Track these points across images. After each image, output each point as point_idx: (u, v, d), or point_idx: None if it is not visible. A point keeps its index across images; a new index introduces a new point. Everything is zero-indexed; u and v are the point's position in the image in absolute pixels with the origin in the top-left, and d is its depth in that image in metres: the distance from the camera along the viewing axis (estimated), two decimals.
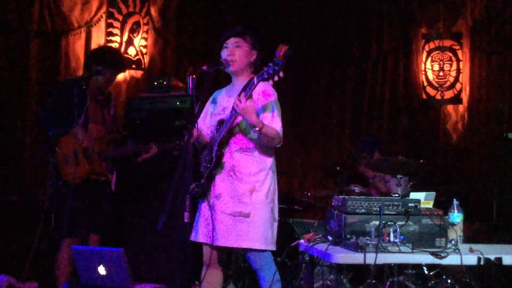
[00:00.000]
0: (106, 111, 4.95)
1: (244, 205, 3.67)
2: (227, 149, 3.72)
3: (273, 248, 3.75)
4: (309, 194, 6.05)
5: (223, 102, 3.84)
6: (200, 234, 3.77)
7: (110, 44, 6.23)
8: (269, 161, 3.77)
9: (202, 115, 3.93)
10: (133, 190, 5.52)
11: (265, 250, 3.71)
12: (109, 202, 4.91)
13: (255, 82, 3.54)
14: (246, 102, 3.51)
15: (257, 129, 3.56)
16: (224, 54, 3.77)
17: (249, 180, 3.69)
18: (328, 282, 4.69)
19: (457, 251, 3.32)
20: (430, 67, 6.98)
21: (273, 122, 3.66)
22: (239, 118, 3.65)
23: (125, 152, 4.92)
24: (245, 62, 3.77)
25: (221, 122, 3.75)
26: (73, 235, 4.67)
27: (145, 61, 6.49)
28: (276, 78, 3.48)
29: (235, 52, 3.75)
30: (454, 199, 3.70)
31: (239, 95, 3.59)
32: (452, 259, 3.29)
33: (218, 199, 3.71)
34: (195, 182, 3.72)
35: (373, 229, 3.29)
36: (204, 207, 3.78)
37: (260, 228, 3.67)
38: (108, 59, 4.87)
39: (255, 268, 3.75)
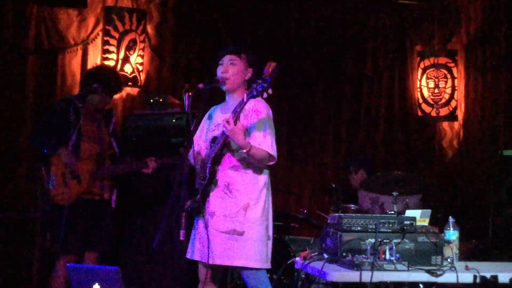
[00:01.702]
0: (105, 129, 4.93)
1: (238, 223, 3.66)
2: (221, 166, 3.73)
3: (268, 266, 3.74)
4: (305, 211, 6.04)
5: (217, 118, 3.86)
6: (195, 252, 3.76)
7: (106, 62, 6.24)
8: (264, 178, 3.77)
9: (198, 132, 3.94)
10: (131, 208, 5.50)
11: (260, 269, 3.70)
12: (107, 220, 4.89)
13: (244, 100, 3.57)
14: (234, 124, 3.54)
15: (244, 151, 3.59)
16: (219, 71, 3.79)
17: (243, 197, 3.69)
18: None
19: (453, 269, 3.32)
20: (425, 84, 7.01)
21: (264, 141, 3.66)
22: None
23: (120, 171, 4.90)
24: (239, 79, 3.79)
25: (214, 139, 3.76)
26: (68, 253, 4.66)
27: (141, 78, 6.50)
28: (265, 95, 3.51)
29: (229, 70, 3.77)
30: (450, 217, 3.70)
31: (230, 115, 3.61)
32: (448, 277, 3.28)
33: (212, 217, 3.70)
34: (190, 199, 3.72)
35: (369, 247, 3.29)
36: (199, 224, 3.78)
37: (255, 246, 3.66)
38: (105, 80, 4.86)
39: (250, 287, 3.74)
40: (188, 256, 3.79)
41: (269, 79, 3.48)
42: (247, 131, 3.67)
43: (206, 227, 3.69)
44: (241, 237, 3.64)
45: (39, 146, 4.80)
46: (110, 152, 4.94)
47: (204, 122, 3.97)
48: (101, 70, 5.27)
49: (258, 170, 3.74)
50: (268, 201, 3.78)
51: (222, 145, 3.69)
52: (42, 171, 4.72)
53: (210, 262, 3.66)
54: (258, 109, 3.73)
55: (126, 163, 4.90)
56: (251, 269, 3.67)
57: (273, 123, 3.76)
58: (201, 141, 3.92)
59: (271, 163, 3.74)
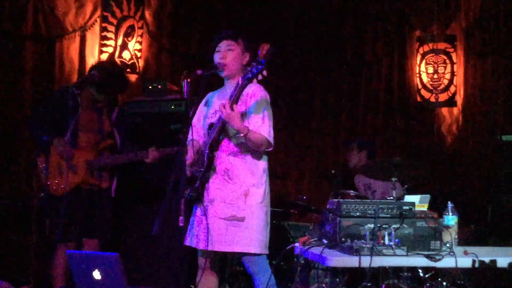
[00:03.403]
0: (106, 119, 4.89)
1: (238, 209, 3.67)
2: (220, 152, 3.72)
3: (267, 251, 3.74)
4: (304, 197, 6.05)
5: (215, 105, 3.84)
6: (194, 239, 3.77)
7: (104, 49, 6.21)
8: (263, 163, 3.78)
9: (195, 119, 3.92)
10: (131, 195, 5.50)
11: (261, 254, 3.71)
12: (106, 208, 4.88)
13: (240, 83, 3.57)
14: (231, 108, 3.53)
15: (241, 135, 3.58)
16: (217, 57, 3.77)
17: (243, 183, 3.70)
18: (323, 285, 4.69)
19: (451, 253, 3.34)
20: (424, 70, 7.00)
21: (262, 125, 3.66)
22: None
23: (120, 160, 4.86)
24: (237, 65, 3.77)
25: (211, 126, 3.76)
26: (67, 241, 4.66)
27: (140, 65, 6.49)
28: (260, 77, 3.51)
29: (228, 56, 3.75)
30: (449, 202, 3.71)
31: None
32: (446, 262, 3.30)
33: (211, 204, 3.70)
34: (190, 187, 3.71)
35: (368, 232, 3.30)
36: (198, 211, 3.78)
37: (255, 232, 3.67)
38: (104, 74, 4.78)
39: (250, 272, 3.75)
40: (187, 243, 3.80)
41: (263, 60, 3.49)
42: (246, 115, 3.67)
43: (204, 214, 3.69)
44: (242, 223, 3.65)
45: (34, 134, 4.77)
46: (110, 142, 4.90)
47: (201, 109, 3.96)
48: (106, 63, 5.20)
49: (257, 156, 3.74)
50: (267, 186, 3.79)
51: (220, 131, 3.68)
52: (38, 161, 4.70)
53: (210, 249, 3.67)
54: (256, 93, 3.72)
55: (126, 153, 4.85)
56: (252, 254, 3.68)
57: (271, 108, 3.75)
58: (199, 128, 3.91)
59: (268, 149, 3.73)
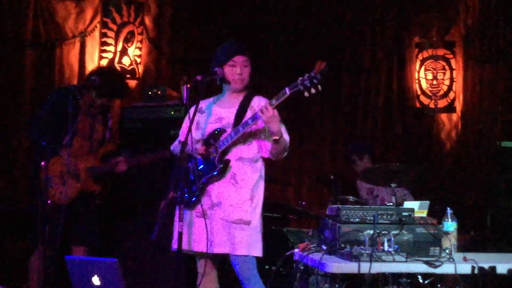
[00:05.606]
0: (99, 126, 4.89)
1: (245, 212, 3.71)
2: (228, 157, 3.75)
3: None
4: (303, 203, 6.05)
5: (217, 112, 3.85)
6: (195, 243, 3.71)
7: (104, 54, 6.23)
8: (263, 169, 3.86)
9: (193, 125, 3.92)
10: (127, 201, 5.50)
11: (254, 257, 3.73)
12: (94, 214, 4.87)
13: (287, 93, 3.60)
14: (273, 110, 3.59)
15: (277, 138, 3.66)
16: (232, 71, 3.75)
17: (249, 187, 3.75)
18: None
19: (451, 260, 3.34)
20: (423, 76, 7.01)
21: (284, 134, 3.78)
22: (250, 128, 3.69)
23: (115, 167, 4.85)
24: (249, 80, 3.83)
25: (220, 131, 3.75)
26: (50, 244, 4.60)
27: (139, 70, 6.50)
28: (306, 94, 3.53)
29: (244, 71, 3.77)
30: (448, 208, 3.71)
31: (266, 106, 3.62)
32: (446, 268, 3.30)
33: (219, 207, 3.71)
34: (186, 191, 3.72)
35: (367, 238, 3.30)
36: (195, 215, 3.75)
37: (258, 235, 3.73)
38: (105, 79, 4.78)
39: (242, 278, 3.74)
40: (185, 247, 3.68)
41: (319, 76, 3.50)
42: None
43: (206, 217, 3.66)
44: (248, 226, 3.69)
45: (35, 138, 4.72)
46: (110, 148, 4.91)
47: (197, 116, 3.91)
48: (106, 69, 5.22)
49: (258, 161, 3.82)
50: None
51: (242, 137, 3.71)
52: (41, 169, 4.64)
53: (212, 252, 3.66)
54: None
55: (125, 154, 4.87)
56: (250, 257, 3.70)
57: None
58: (196, 134, 3.88)
59: (284, 154, 3.84)
